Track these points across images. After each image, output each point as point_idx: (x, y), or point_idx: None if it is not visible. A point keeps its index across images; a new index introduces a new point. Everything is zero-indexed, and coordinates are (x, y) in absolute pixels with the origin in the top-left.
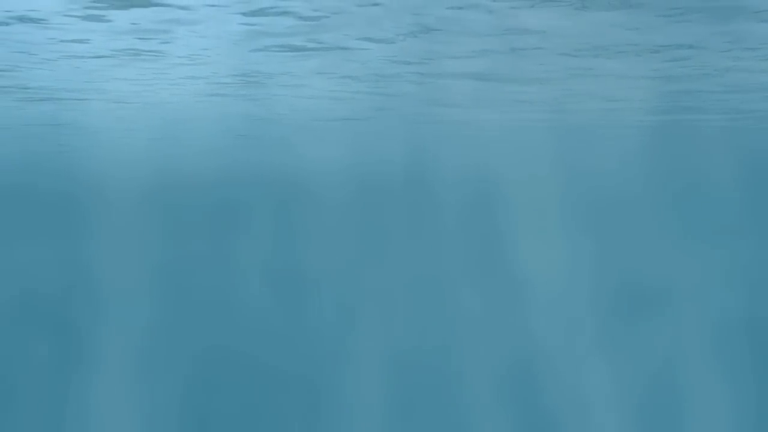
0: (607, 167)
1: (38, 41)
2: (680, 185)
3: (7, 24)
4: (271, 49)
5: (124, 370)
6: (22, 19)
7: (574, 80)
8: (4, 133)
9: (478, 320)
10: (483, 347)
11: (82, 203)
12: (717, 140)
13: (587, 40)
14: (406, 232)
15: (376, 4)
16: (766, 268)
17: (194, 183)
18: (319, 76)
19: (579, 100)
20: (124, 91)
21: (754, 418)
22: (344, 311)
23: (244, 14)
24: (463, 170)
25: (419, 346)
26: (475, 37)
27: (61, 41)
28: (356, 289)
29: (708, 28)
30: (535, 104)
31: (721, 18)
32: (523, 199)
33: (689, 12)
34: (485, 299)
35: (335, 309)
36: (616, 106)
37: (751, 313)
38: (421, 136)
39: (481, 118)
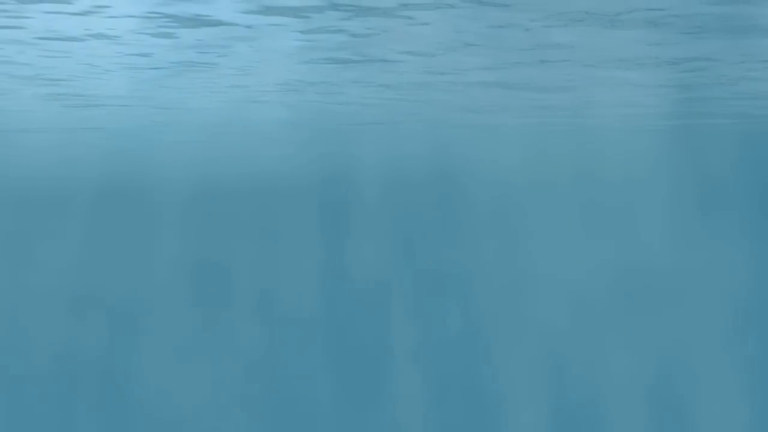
0: (620, 168)
1: (104, 54)
2: (690, 183)
3: (82, 40)
4: (317, 61)
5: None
6: (97, 36)
7: (595, 88)
8: (46, 136)
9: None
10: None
11: (112, 203)
12: (725, 142)
13: (611, 54)
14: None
15: (425, 24)
16: None
17: (226, 185)
18: (356, 85)
19: (598, 105)
20: (170, 98)
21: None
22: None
23: (301, 32)
24: (483, 170)
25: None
26: (508, 51)
27: (126, 55)
28: (387, 290)
29: (724, 43)
30: (556, 110)
31: (736, 34)
32: (538, 199)
33: (707, 30)
34: (506, 297)
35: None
36: (633, 112)
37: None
38: (446, 139)
39: (504, 123)
